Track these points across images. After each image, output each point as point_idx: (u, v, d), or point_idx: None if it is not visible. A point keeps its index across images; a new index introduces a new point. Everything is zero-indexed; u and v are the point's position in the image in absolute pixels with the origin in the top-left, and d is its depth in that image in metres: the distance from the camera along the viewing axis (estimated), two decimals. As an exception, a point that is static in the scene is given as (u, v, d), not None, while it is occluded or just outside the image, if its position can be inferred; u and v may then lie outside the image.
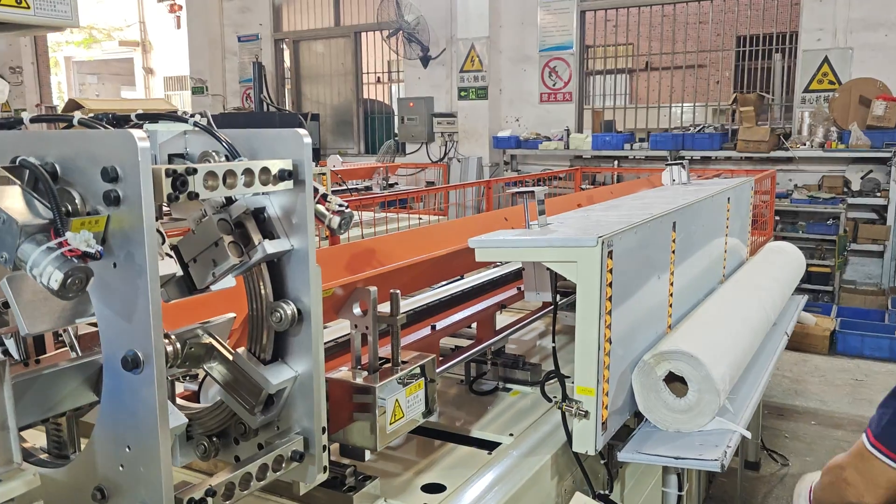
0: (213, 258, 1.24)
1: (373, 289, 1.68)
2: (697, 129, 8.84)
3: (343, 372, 1.69)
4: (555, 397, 2.02)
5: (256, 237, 1.25)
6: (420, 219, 5.90)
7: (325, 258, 2.17)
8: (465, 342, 2.52)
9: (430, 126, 10.21)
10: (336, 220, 1.35)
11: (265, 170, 1.19)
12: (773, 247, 3.99)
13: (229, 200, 1.26)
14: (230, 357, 1.33)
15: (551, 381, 2.07)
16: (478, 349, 2.29)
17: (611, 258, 1.93)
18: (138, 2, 21.42)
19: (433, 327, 2.15)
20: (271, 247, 1.25)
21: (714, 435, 2.15)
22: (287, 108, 11.86)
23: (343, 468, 1.66)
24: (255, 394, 1.31)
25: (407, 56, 10.28)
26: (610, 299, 1.96)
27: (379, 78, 11.43)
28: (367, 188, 6.87)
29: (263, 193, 1.25)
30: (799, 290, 7.48)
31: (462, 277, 2.84)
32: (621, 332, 2.05)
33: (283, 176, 1.21)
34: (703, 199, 2.87)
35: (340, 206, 1.35)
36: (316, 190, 1.34)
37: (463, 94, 9.82)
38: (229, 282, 1.34)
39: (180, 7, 12.96)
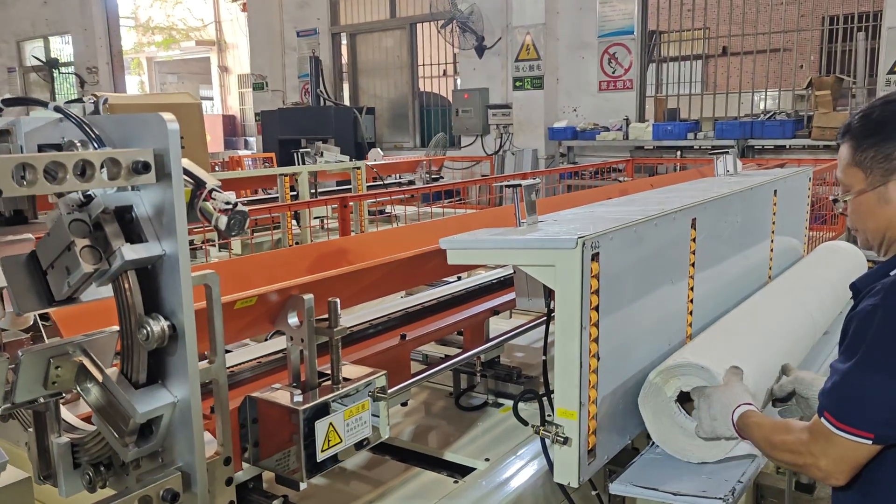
0: (67, 265, 1.07)
1: (308, 297, 1.48)
2: (768, 115, 8.25)
3: (275, 391, 1.50)
4: (534, 425, 1.77)
5: (116, 241, 1.06)
6: (464, 213, 5.69)
7: (287, 259, 2.01)
8: (456, 351, 2.30)
9: (484, 118, 9.95)
10: (223, 220, 1.15)
11: (113, 161, 1.01)
12: (827, 246, 3.57)
13: (89, 198, 1.09)
14: (100, 379, 1.15)
15: (530, 399, 1.83)
16: (459, 359, 2.07)
17: (596, 261, 1.67)
18: (214, 1, 22.02)
19: (403, 336, 1.93)
20: (133, 252, 1.06)
21: (730, 466, 1.85)
22: (344, 102, 11.83)
23: (269, 500, 1.48)
24: (125, 422, 1.13)
25: (461, 46, 10.05)
26: (596, 309, 1.69)
27: (445, 70, 11.25)
28: (411, 182, 6.69)
29: (118, 190, 1.07)
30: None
31: (460, 278, 2.60)
32: (615, 346, 1.78)
33: (138, 168, 1.03)
34: (735, 193, 2.54)
35: (228, 203, 1.15)
36: (201, 184, 1.15)
37: (518, 84, 9.52)
38: (104, 290, 1.17)
39: (253, 6, 13.11)
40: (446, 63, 11.26)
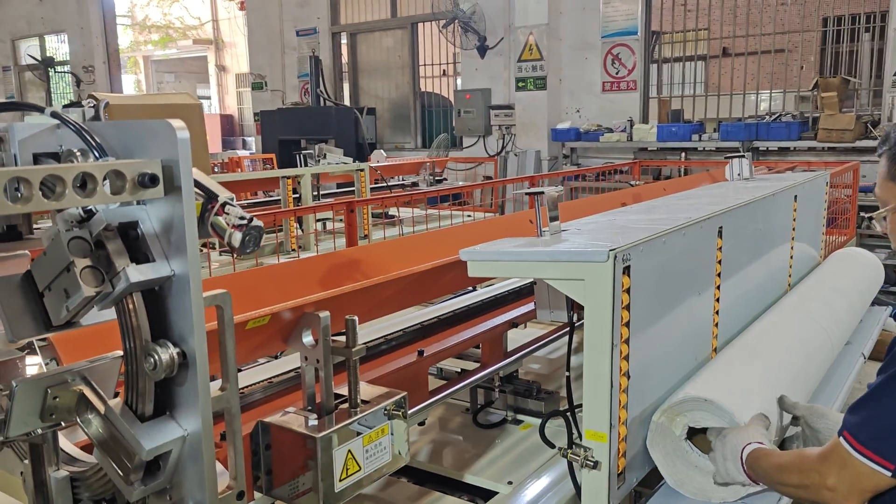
0: (66, 288, 0.97)
1: (324, 314, 1.38)
2: (773, 117, 8.16)
3: (289, 415, 1.40)
4: (562, 448, 1.66)
5: (120, 261, 0.96)
6: (469, 216, 5.59)
7: (298, 271, 1.90)
8: (473, 365, 2.20)
9: (487, 119, 9.84)
10: (237, 237, 1.05)
11: (117, 174, 0.91)
12: (842, 253, 3.47)
13: (90, 213, 0.99)
14: (102, 410, 1.05)
15: (556, 416, 1.73)
16: (479, 376, 1.97)
17: (627, 275, 1.57)
18: (211, 0, 21.88)
19: (420, 352, 1.83)
20: (138, 273, 0.97)
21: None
22: (345, 102, 11.72)
23: (284, 531, 1.38)
24: (130, 458, 1.03)
25: (463, 46, 9.94)
26: (627, 325, 1.60)
27: (444, 70, 11.14)
28: (414, 184, 6.59)
29: (122, 204, 0.97)
30: (885, 293, 6.76)
31: (475, 289, 2.50)
32: (643, 364, 1.69)
33: (144, 182, 0.93)
34: (759, 199, 2.45)
35: (242, 218, 1.05)
36: (213, 197, 1.05)
37: (521, 84, 9.41)
38: (108, 314, 1.07)
39: (251, 5, 13.00)
40: (447, 63, 11.16)
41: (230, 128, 19.50)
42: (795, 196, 2.93)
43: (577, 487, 1.63)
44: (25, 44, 16.15)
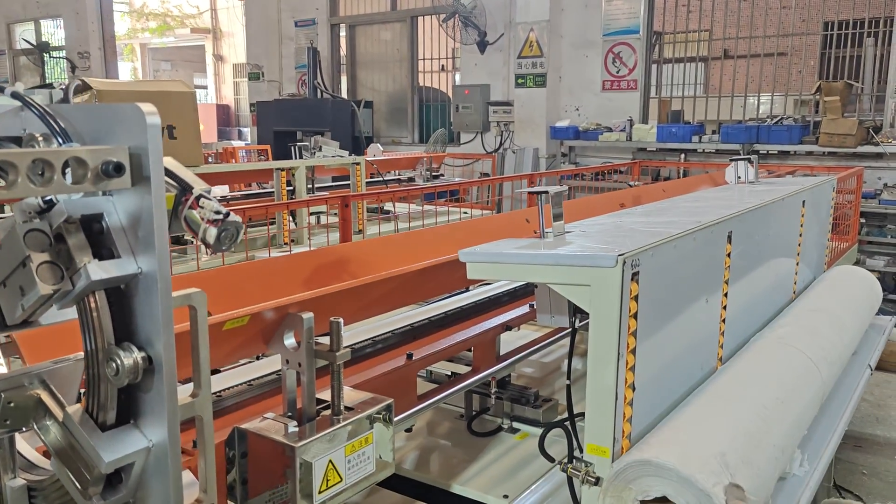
0: (21, 284, 0.87)
1: (307, 316, 1.29)
2: (775, 120, 8.08)
3: (268, 421, 1.31)
4: (562, 461, 1.57)
5: (81, 257, 0.87)
6: (466, 213, 5.49)
7: (284, 267, 1.81)
8: (465, 368, 2.11)
9: (485, 115, 9.75)
10: (213, 232, 0.95)
11: (78, 161, 0.81)
12: (842, 271, 3.36)
13: (51, 203, 0.89)
14: (61, 417, 0.96)
15: (556, 427, 1.64)
16: (470, 381, 1.87)
17: (635, 281, 1.48)
18: (210, -11, 21.69)
19: (409, 356, 1.74)
20: (101, 270, 0.87)
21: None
22: (342, 94, 11.60)
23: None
24: (89, 469, 0.94)
25: (463, 41, 9.84)
26: (634, 334, 1.51)
27: (443, 66, 11.03)
28: (411, 179, 6.48)
29: (86, 194, 0.87)
30: (886, 301, 6.65)
31: (468, 289, 2.41)
32: (650, 375, 1.60)
33: (108, 171, 0.83)
34: (770, 203, 2.36)
35: (218, 212, 0.95)
36: (187, 189, 0.96)
37: (520, 81, 9.31)
38: (68, 313, 0.97)
39: (250, -6, 12.85)
40: (447, 58, 11.05)
41: (226, 118, 19.36)
42: (804, 201, 2.85)
43: (577, 503, 1.54)
44: (21, 28, 15.96)
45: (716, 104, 8.90)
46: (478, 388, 2.02)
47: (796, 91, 8.72)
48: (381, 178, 5.58)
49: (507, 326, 2.08)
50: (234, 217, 0.96)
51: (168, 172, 0.90)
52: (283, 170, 4.73)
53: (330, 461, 1.26)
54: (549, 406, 2.01)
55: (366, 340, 1.77)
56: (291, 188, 4.78)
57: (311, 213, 5.00)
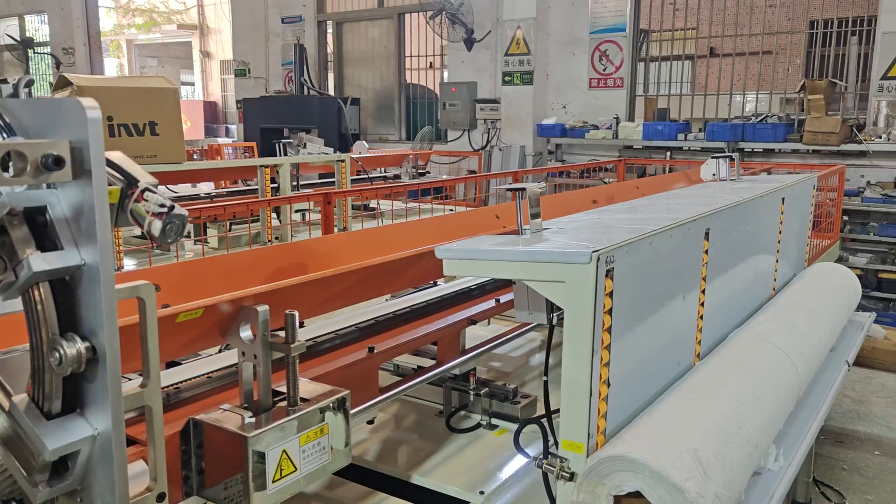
0: (-32, 277, 0.87)
1: (262, 308, 1.29)
2: (759, 118, 8.13)
3: (223, 412, 1.31)
4: (537, 457, 1.57)
5: (24, 248, 0.87)
6: (451, 210, 5.48)
7: (250, 262, 1.79)
8: (431, 362, 2.10)
9: (472, 112, 9.75)
10: (157, 225, 0.95)
11: (18, 155, 0.81)
12: (820, 268, 3.37)
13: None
14: (6, 406, 0.95)
15: (532, 423, 1.64)
16: (432, 374, 1.88)
17: (610, 278, 1.48)
18: (197, -16, 21.55)
19: (371, 349, 1.74)
20: (44, 262, 0.87)
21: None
22: (329, 91, 11.56)
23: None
24: (35, 458, 0.94)
25: (450, 38, 9.83)
26: (609, 330, 1.51)
27: (431, 63, 11.01)
28: (397, 177, 6.47)
29: (29, 187, 0.86)
30: (868, 298, 6.65)
31: (435, 284, 2.41)
32: (625, 371, 1.60)
33: (48, 164, 0.83)
34: (748, 201, 2.37)
35: (163, 206, 0.94)
36: (132, 182, 0.95)
37: (507, 78, 9.32)
38: (15, 304, 0.96)
39: (238, -11, 12.76)
40: (434, 55, 11.04)
41: (213, 115, 19.24)
42: (783, 198, 2.86)
43: (553, 499, 1.54)
44: (4, 23, 15.80)
45: (702, 102, 8.94)
46: (458, 385, 2.02)
47: (782, 89, 8.77)
48: (366, 175, 5.56)
49: (472, 321, 2.09)
50: (179, 210, 0.96)
51: (114, 166, 0.90)
52: (266, 167, 4.70)
53: (284, 451, 1.27)
54: (527, 402, 2.01)
55: (328, 333, 1.78)
56: (276, 185, 4.75)
57: (296, 211, 4.98)
